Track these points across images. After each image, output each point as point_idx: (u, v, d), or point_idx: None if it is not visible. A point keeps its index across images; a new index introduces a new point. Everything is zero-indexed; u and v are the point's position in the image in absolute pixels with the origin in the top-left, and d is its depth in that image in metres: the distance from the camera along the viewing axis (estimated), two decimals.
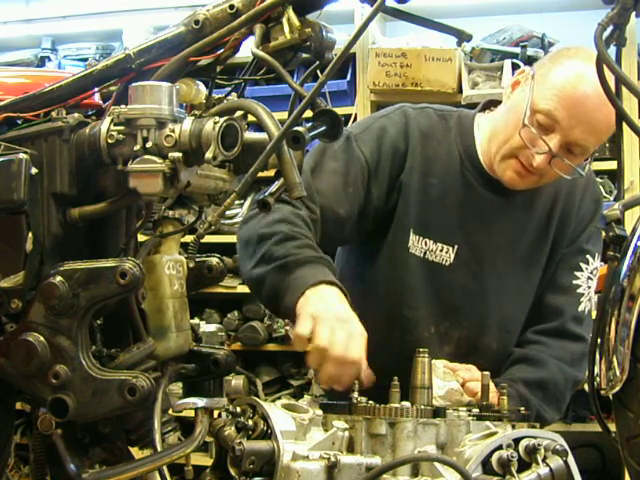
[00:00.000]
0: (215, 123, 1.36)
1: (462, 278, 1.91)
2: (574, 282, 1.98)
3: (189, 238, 1.62)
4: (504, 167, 1.86)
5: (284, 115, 1.38)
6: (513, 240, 1.94)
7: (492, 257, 1.92)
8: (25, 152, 1.42)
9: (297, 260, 1.66)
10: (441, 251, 1.89)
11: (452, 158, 1.94)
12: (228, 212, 3.39)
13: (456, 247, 1.89)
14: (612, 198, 3.41)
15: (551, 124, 1.77)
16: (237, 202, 1.57)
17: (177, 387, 1.67)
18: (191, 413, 1.42)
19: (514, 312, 1.96)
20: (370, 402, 1.44)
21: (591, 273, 1.99)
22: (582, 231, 2.00)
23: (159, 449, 1.42)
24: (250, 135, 1.46)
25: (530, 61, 3.65)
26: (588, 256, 2.00)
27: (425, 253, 1.90)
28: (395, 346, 1.89)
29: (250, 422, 1.39)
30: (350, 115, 3.69)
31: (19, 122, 1.53)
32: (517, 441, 1.36)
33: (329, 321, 1.54)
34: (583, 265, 1.98)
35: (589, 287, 1.99)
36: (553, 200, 1.97)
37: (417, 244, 1.90)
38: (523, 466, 1.33)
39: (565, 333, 1.96)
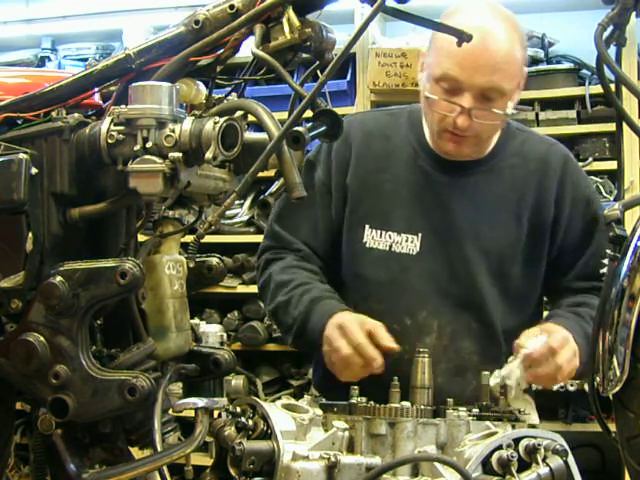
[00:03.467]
0: (215, 123, 1.36)
1: (431, 264, 1.92)
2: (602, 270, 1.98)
3: (189, 238, 1.62)
4: (442, 143, 1.90)
5: (284, 115, 1.38)
6: (477, 222, 1.94)
7: (458, 241, 1.92)
8: (25, 152, 1.42)
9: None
10: (406, 241, 1.92)
11: (405, 151, 1.98)
12: (228, 212, 3.39)
13: (420, 235, 1.91)
14: (612, 198, 3.41)
15: (454, 84, 1.79)
16: (237, 202, 1.57)
17: (177, 387, 1.67)
18: (191, 413, 1.43)
19: (492, 294, 1.94)
20: (370, 402, 1.44)
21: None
22: (589, 220, 1.97)
23: (159, 449, 1.42)
24: (250, 135, 1.46)
25: (530, 61, 3.65)
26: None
27: (391, 246, 1.92)
28: None
29: (250, 422, 1.39)
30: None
31: (19, 122, 1.53)
32: (517, 441, 1.36)
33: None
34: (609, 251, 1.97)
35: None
36: (521, 185, 1.96)
37: (379, 238, 1.93)
38: (523, 466, 1.33)
39: None
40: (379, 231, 1.93)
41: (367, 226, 1.93)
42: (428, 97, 1.82)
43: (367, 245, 1.93)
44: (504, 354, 1.83)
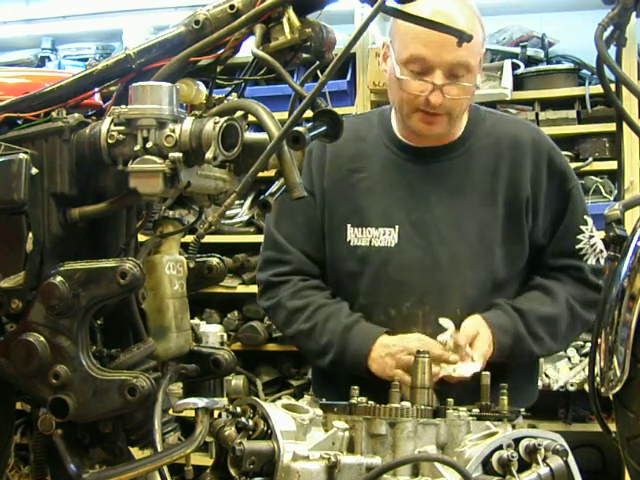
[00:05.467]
0: (215, 123, 1.36)
1: (411, 255, 1.96)
2: (577, 246, 2.03)
3: (189, 238, 1.62)
4: (413, 123, 1.94)
5: (284, 115, 1.38)
6: (454, 207, 1.97)
7: (436, 227, 1.96)
8: (25, 152, 1.42)
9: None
10: (384, 235, 1.96)
11: (379, 148, 2.04)
12: (228, 212, 3.39)
13: (397, 227, 1.96)
14: (612, 198, 3.41)
15: (422, 64, 1.85)
16: (237, 202, 1.58)
17: (177, 387, 1.67)
18: (191, 413, 1.43)
19: (475, 278, 1.96)
20: (370, 402, 1.44)
21: (591, 232, 2.04)
22: (564, 194, 2.02)
23: (159, 449, 1.42)
24: (250, 135, 1.46)
25: (530, 61, 3.65)
26: (586, 217, 2.04)
27: (371, 241, 1.98)
28: None
29: (250, 422, 1.39)
30: (350, 115, 3.68)
31: (19, 122, 1.53)
32: (517, 441, 1.36)
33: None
34: (583, 227, 2.02)
35: (593, 245, 2.03)
36: (494, 165, 2.00)
37: (360, 235, 1.98)
38: (523, 466, 1.34)
39: (584, 280, 2.02)
40: (360, 228, 1.98)
41: (349, 225, 2.00)
42: (399, 79, 1.87)
43: (351, 244, 1.99)
44: None
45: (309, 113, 1.39)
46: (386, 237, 1.96)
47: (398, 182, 2.00)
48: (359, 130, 2.08)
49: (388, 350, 1.86)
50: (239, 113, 1.43)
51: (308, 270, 2.05)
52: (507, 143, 2.00)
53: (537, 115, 3.51)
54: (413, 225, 1.96)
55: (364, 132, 2.07)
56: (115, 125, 1.40)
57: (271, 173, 1.45)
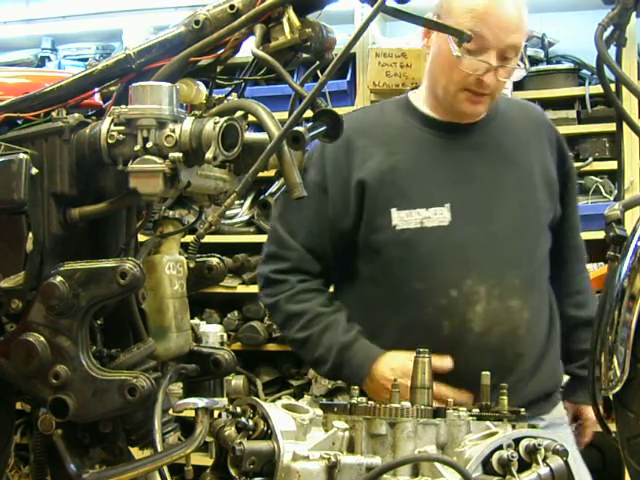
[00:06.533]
0: (215, 123, 1.36)
1: (467, 231, 1.92)
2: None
3: (189, 238, 1.62)
4: (457, 102, 1.93)
5: (284, 115, 1.38)
6: (496, 179, 1.98)
7: (484, 200, 1.95)
8: (25, 152, 1.42)
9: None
10: (435, 214, 1.92)
11: (409, 130, 2.01)
12: (228, 212, 3.39)
13: (448, 205, 1.92)
14: (612, 198, 3.41)
15: (480, 43, 1.83)
16: (237, 202, 1.58)
17: (177, 387, 1.67)
18: (191, 413, 1.43)
19: (527, 246, 1.97)
20: (370, 402, 1.44)
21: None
22: (567, 173, 2.08)
23: (159, 449, 1.42)
24: (250, 135, 1.46)
25: (530, 61, 3.65)
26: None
27: (422, 222, 1.92)
28: (413, 322, 1.92)
29: (250, 422, 1.39)
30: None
31: (19, 122, 1.53)
32: (517, 441, 1.36)
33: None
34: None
35: None
36: (524, 137, 2.04)
37: (408, 218, 1.93)
38: (523, 466, 1.33)
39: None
40: (407, 211, 1.92)
41: (393, 210, 1.93)
42: (456, 56, 1.84)
43: (397, 228, 1.92)
44: (547, 304, 1.97)
45: (309, 113, 1.39)
46: (438, 216, 1.91)
47: (438, 160, 1.97)
48: (382, 117, 2.06)
49: (385, 375, 1.86)
50: (239, 113, 1.43)
51: (308, 268, 2.02)
52: (527, 117, 2.06)
53: None
54: (463, 201, 1.93)
55: (387, 118, 2.05)
56: (115, 125, 1.40)
57: (271, 173, 1.45)
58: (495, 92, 1.92)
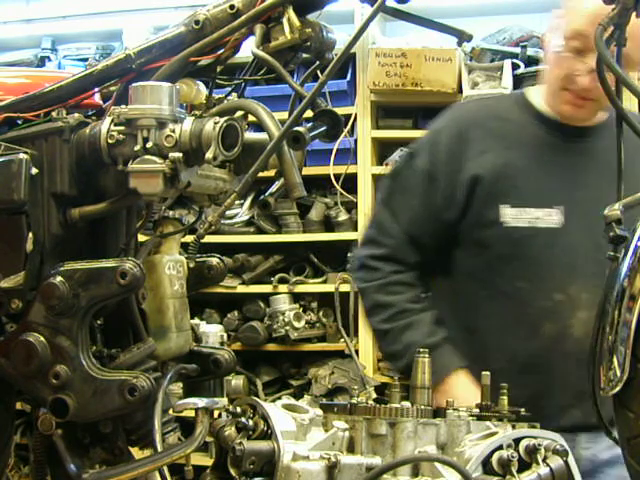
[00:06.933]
0: (215, 123, 1.36)
1: (578, 236, 1.89)
2: None
3: (189, 238, 1.62)
4: (559, 102, 1.92)
5: (284, 115, 1.38)
6: (606, 188, 1.91)
7: (596, 208, 1.86)
8: (25, 152, 1.42)
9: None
10: (549, 215, 1.89)
11: (526, 127, 1.98)
12: (228, 212, 3.39)
13: (562, 207, 1.89)
14: None
15: (585, 43, 1.81)
16: (237, 202, 1.58)
17: (177, 387, 1.67)
18: (191, 413, 1.42)
19: None
20: (370, 402, 1.44)
21: None
22: None
23: (159, 449, 1.42)
24: (250, 135, 1.46)
25: (530, 61, 3.65)
26: None
27: (531, 222, 1.90)
28: (513, 321, 1.90)
29: (250, 422, 1.39)
30: (350, 115, 3.68)
31: (19, 122, 1.53)
32: (517, 441, 1.36)
33: None
34: None
35: None
36: (633, 151, 1.97)
37: (518, 216, 1.90)
38: (523, 466, 1.33)
39: None
40: (517, 209, 1.90)
41: (503, 206, 1.91)
42: (558, 52, 1.84)
43: (506, 225, 1.90)
44: None
45: (309, 113, 1.39)
46: (551, 217, 1.88)
47: (554, 160, 1.94)
48: (498, 110, 2.03)
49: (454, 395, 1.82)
50: (239, 113, 1.43)
51: (404, 257, 1.98)
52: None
53: None
54: (577, 205, 1.89)
55: (504, 113, 2.02)
56: (115, 125, 1.40)
57: (271, 173, 1.45)
58: (601, 98, 1.81)
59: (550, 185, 1.92)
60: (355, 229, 3.74)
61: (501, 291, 1.90)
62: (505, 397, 1.49)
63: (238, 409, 1.42)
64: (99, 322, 1.54)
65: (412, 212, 1.96)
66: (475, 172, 1.92)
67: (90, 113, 1.57)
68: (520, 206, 1.90)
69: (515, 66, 3.59)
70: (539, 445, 1.34)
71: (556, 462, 1.34)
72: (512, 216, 1.90)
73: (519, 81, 3.59)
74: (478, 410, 1.47)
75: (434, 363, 1.83)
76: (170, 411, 1.56)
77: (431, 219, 1.95)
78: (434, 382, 1.83)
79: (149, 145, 1.37)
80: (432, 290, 2.01)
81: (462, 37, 1.47)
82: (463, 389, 1.85)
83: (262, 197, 3.70)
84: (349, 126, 3.69)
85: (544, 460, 1.34)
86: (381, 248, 1.98)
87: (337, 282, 2.22)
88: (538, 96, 2.02)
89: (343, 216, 3.79)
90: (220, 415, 1.45)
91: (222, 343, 3.47)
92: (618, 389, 1.34)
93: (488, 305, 1.92)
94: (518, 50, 3.66)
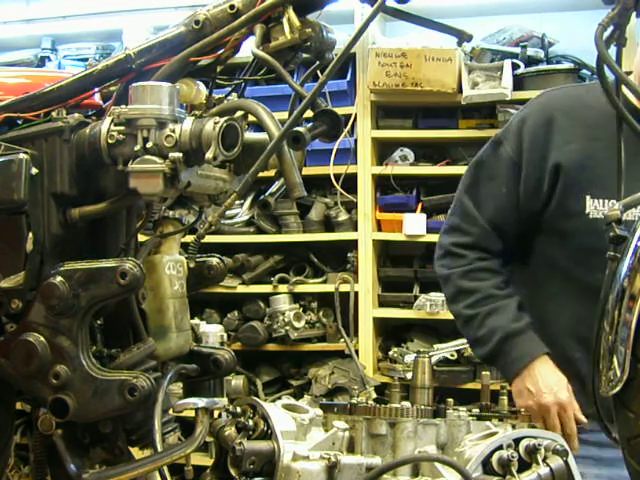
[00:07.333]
0: (215, 123, 1.36)
1: None
2: None
3: (189, 238, 1.62)
4: None
5: (284, 115, 1.38)
6: None
7: None
8: (25, 152, 1.42)
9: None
10: (635, 209, 1.86)
11: (611, 117, 1.86)
12: (228, 212, 3.39)
13: None
14: None
15: None
16: (237, 202, 1.58)
17: (177, 387, 1.67)
18: (191, 413, 1.42)
19: None
20: (370, 402, 1.44)
21: None
22: None
23: (159, 449, 1.42)
24: (250, 135, 1.46)
25: (530, 61, 3.65)
26: None
27: None
28: (591, 313, 1.87)
29: (250, 422, 1.39)
30: (350, 115, 3.68)
31: (19, 122, 1.53)
32: (517, 441, 1.36)
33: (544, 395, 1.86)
34: None
35: None
36: None
37: (603, 207, 1.89)
38: (523, 466, 1.33)
39: None
40: (602, 200, 1.90)
41: (588, 197, 1.90)
42: None
43: (590, 216, 1.90)
44: None
45: (309, 113, 1.39)
46: (635, 211, 1.86)
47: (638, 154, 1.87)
48: (587, 99, 1.98)
49: (533, 385, 1.86)
50: (239, 113, 1.43)
51: (489, 245, 1.99)
52: None
53: None
54: None
55: (592, 101, 1.96)
56: (115, 125, 1.40)
57: (271, 173, 1.45)
58: None
59: (632, 178, 1.83)
60: (355, 229, 3.74)
61: (580, 282, 1.90)
62: (505, 397, 1.49)
63: (238, 409, 1.42)
64: (99, 322, 1.54)
65: (497, 201, 1.97)
66: (559, 161, 1.91)
67: (90, 113, 1.57)
68: (603, 197, 1.89)
69: (515, 66, 3.58)
70: (539, 445, 1.34)
71: (556, 462, 1.34)
72: (595, 207, 1.89)
73: (519, 81, 3.59)
74: (478, 410, 1.47)
75: (518, 348, 1.88)
76: (170, 411, 1.56)
77: (515, 208, 1.96)
78: (517, 367, 1.86)
79: (149, 145, 1.37)
80: (509, 277, 2.02)
81: (462, 37, 1.47)
82: (550, 374, 1.86)
83: (262, 197, 3.70)
84: (349, 126, 3.69)
85: (544, 460, 1.34)
86: (465, 236, 1.99)
87: (337, 282, 2.23)
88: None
89: (343, 216, 3.78)
90: (220, 415, 1.45)
91: (222, 343, 3.47)
92: (618, 389, 1.34)
93: (566, 296, 1.93)
94: (518, 50, 3.66)
